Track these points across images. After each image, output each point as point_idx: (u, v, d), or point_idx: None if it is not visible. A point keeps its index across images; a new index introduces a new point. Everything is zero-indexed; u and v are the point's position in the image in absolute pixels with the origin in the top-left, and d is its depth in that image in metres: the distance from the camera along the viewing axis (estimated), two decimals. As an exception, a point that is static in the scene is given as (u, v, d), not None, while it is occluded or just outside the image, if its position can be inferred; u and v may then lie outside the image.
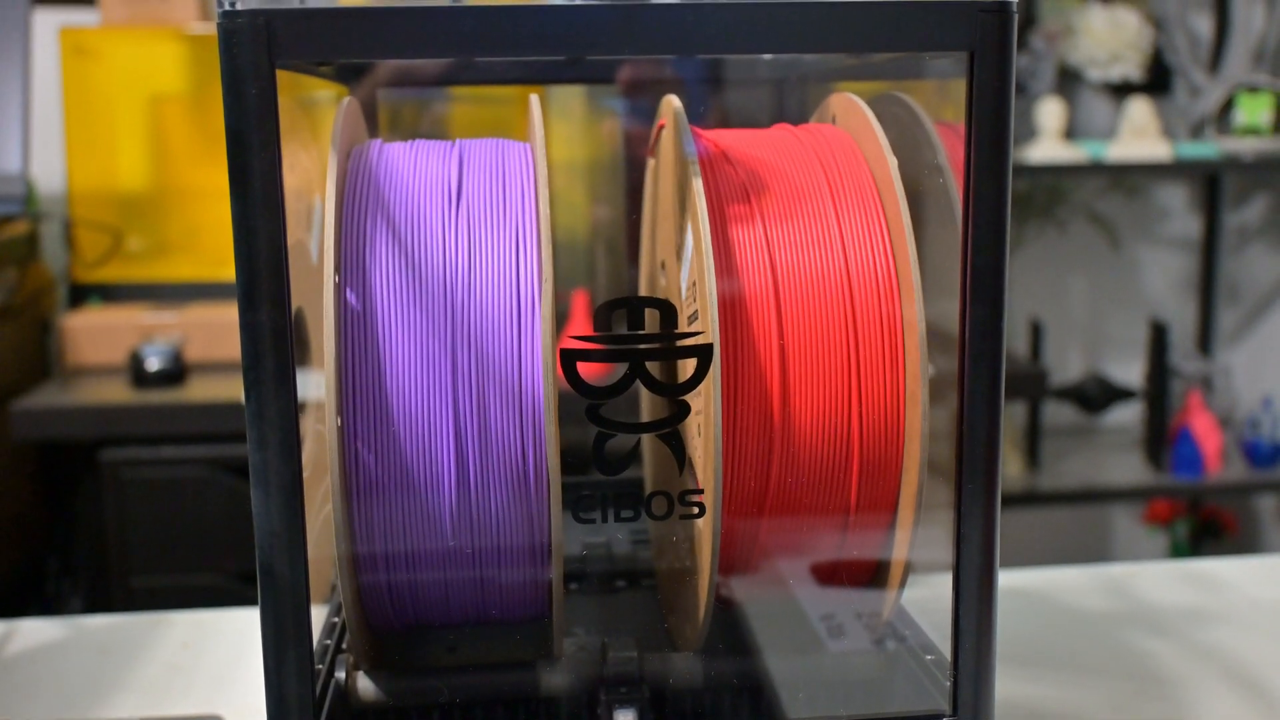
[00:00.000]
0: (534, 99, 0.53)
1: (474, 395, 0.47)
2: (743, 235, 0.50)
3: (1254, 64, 2.18)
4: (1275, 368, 2.37)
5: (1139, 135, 2.07)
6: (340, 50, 0.43)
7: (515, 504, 0.48)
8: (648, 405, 0.62)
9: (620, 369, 0.47)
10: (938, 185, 0.51)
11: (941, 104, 0.52)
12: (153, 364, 1.54)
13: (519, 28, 0.42)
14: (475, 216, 0.49)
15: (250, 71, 0.41)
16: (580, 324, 1.50)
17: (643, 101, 0.70)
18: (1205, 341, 2.35)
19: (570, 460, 0.48)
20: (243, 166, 0.42)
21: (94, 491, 1.51)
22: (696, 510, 0.49)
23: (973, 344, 0.45)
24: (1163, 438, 2.15)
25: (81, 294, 1.74)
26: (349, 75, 0.64)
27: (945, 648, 0.48)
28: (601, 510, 0.50)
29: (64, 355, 1.62)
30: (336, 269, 0.47)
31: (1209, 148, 2.07)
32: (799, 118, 0.65)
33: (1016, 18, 0.44)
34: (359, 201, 0.49)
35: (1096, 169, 2.05)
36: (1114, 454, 2.24)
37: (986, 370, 0.45)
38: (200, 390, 1.53)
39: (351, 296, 0.47)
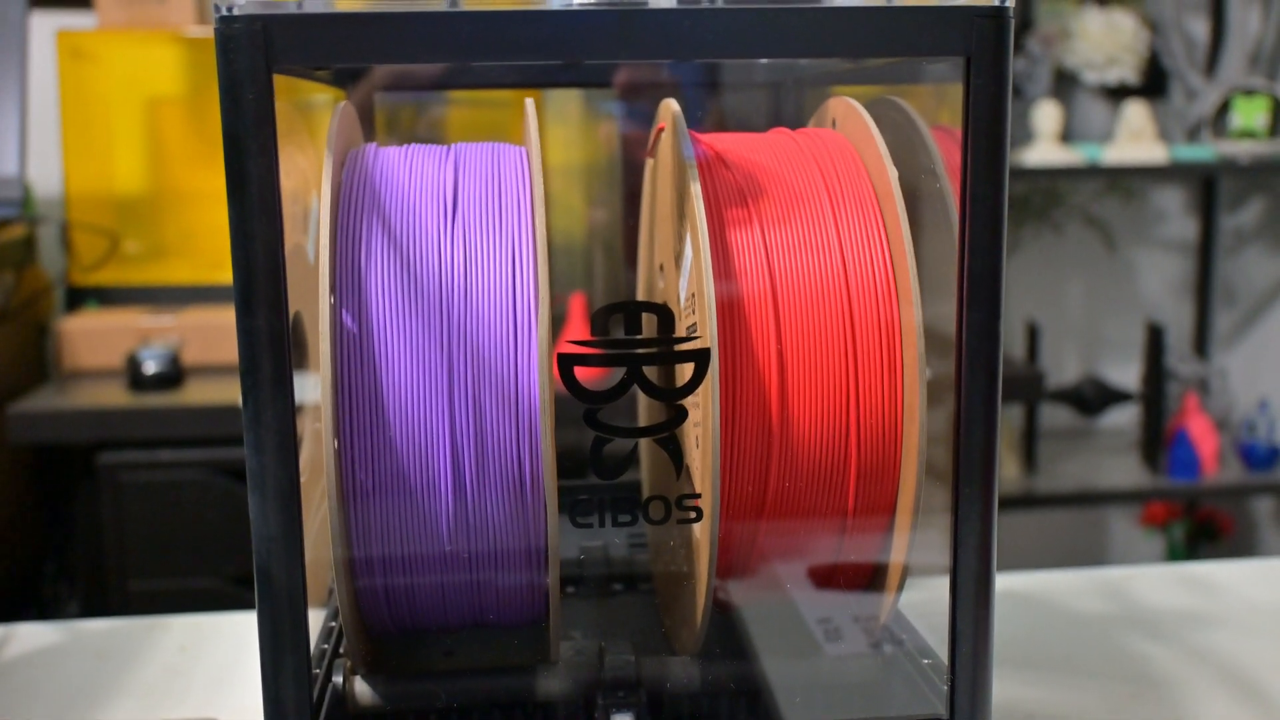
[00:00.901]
0: (529, 103, 0.53)
1: (470, 399, 0.47)
2: (741, 239, 0.50)
3: (1250, 67, 2.18)
4: (1271, 370, 2.37)
5: (1135, 138, 2.08)
6: (337, 54, 0.43)
7: (512, 508, 0.48)
8: (645, 409, 0.62)
9: (618, 373, 0.47)
10: (934, 189, 0.51)
11: (938, 108, 0.52)
12: (150, 367, 1.54)
13: (515, 32, 0.43)
14: (471, 221, 0.49)
15: (247, 76, 0.41)
16: (577, 327, 1.50)
17: (640, 105, 0.70)
18: (1201, 344, 2.36)
19: (567, 464, 0.48)
20: (240, 171, 0.42)
21: (91, 495, 1.50)
22: (694, 514, 0.49)
23: (969, 347, 0.45)
24: (1159, 440, 2.15)
25: (78, 297, 1.74)
26: (345, 79, 0.64)
27: (942, 651, 0.48)
28: (599, 514, 0.50)
29: (61, 358, 1.62)
30: (332, 274, 0.47)
31: (1205, 150, 2.07)
32: (796, 122, 0.65)
33: (1013, 22, 0.44)
34: (354, 206, 0.49)
35: (1093, 172, 2.05)
36: (1110, 456, 2.24)
37: (983, 373, 0.45)
38: (197, 393, 1.53)
39: (347, 302, 0.47)
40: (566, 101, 1.60)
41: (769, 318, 0.49)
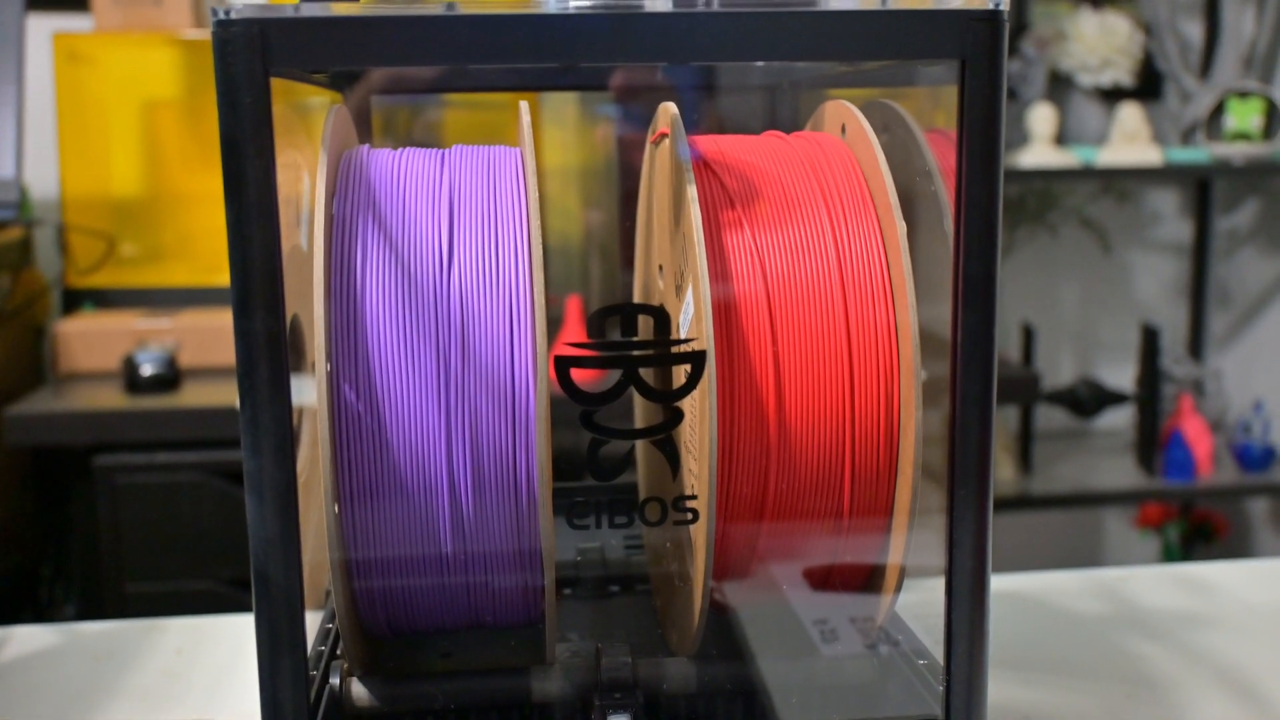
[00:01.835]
0: (524, 106, 0.53)
1: (466, 401, 0.47)
2: (737, 242, 0.51)
3: (1244, 70, 2.18)
4: (1266, 371, 2.38)
5: (1130, 140, 2.08)
6: (334, 58, 0.43)
7: (508, 510, 0.48)
8: (641, 411, 0.62)
9: (614, 375, 0.47)
10: (929, 192, 0.52)
11: (934, 110, 0.52)
12: (146, 370, 1.53)
13: (511, 35, 0.43)
14: (466, 223, 0.49)
15: (245, 79, 0.41)
16: (573, 329, 1.50)
17: (636, 107, 0.71)
18: (1196, 345, 2.36)
19: (564, 466, 0.48)
20: (237, 174, 0.42)
21: (88, 497, 1.50)
22: (690, 516, 0.49)
23: (964, 350, 0.45)
24: (1154, 441, 2.15)
25: (75, 300, 1.74)
26: (342, 81, 0.64)
27: (938, 652, 0.48)
28: (595, 516, 0.50)
29: (57, 361, 1.62)
30: (327, 276, 0.47)
31: (1199, 153, 2.08)
32: (792, 124, 0.65)
33: (1007, 26, 0.44)
34: (349, 209, 0.49)
35: (1088, 174, 2.06)
36: (1106, 458, 2.24)
37: (978, 375, 0.46)
38: (194, 396, 1.53)
39: (342, 305, 0.47)
40: (563, 104, 1.60)
41: (765, 320, 0.49)
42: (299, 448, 0.47)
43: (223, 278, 0.43)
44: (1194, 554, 2.32)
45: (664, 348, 0.48)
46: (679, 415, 0.49)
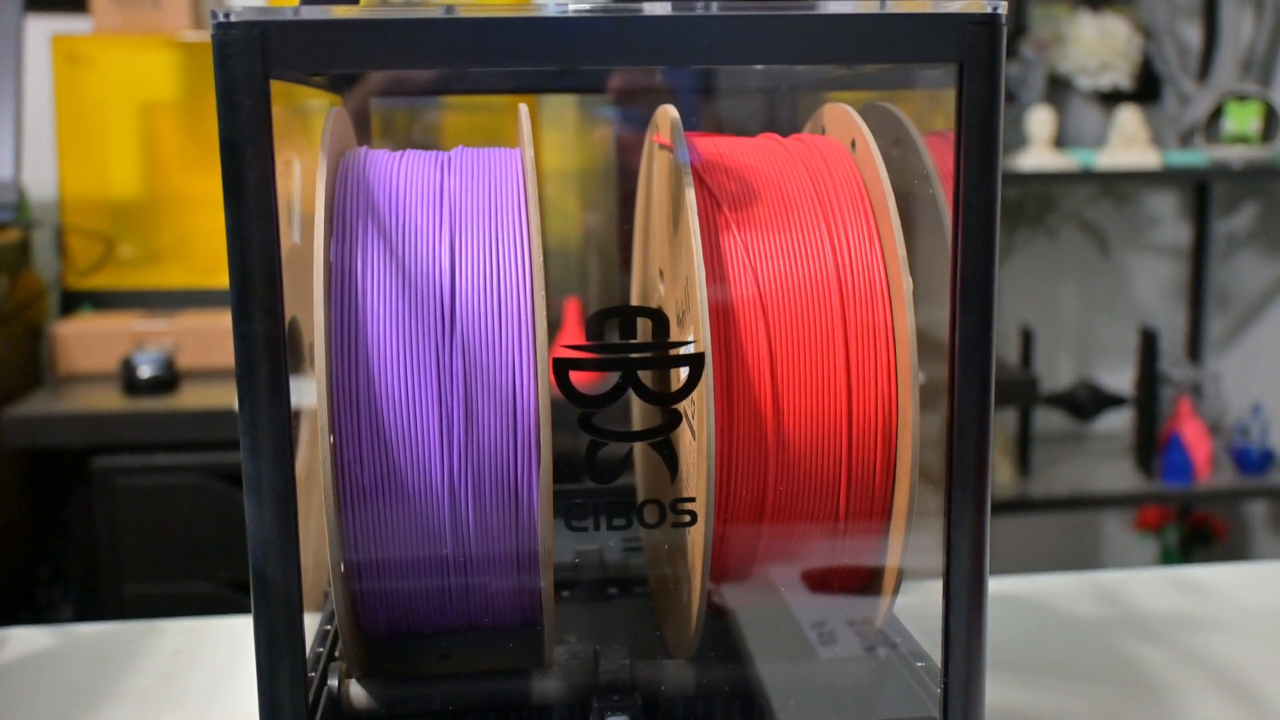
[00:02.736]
0: (523, 109, 0.53)
1: (465, 403, 0.47)
2: (735, 244, 0.51)
3: (1242, 73, 2.19)
4: (1264, 374, 2.38)
5: (1128, 143, 2.08)
6: (334, 61, 0.43)
7: (507, 512, 0.48)
8: (639, 413, 0.62)
9: (613, 377, 0.47)
10: (927, 195, 0.52)
11: (932, 112, 0.52)
12: (144, 371, 1.53)
13: (511, 39, 0.43)
14: (465, 225, 0.49)
15: (244, 82, 0.41)
16: (572, 331, 1.50)
17: (634, 109, 0.71)
18: (1195, 348, 2.36)
19: (562, 468, 0.48)
20: (237, 177, 0.42)
21: (85, 499, 1.50)
22: (689, 518, 0.49)
23: (963, 353, 0.45)
24: (1153, 444, 2.16)
25: (73, 301, 1.74)
26: (341, 84, 0.64)
27: (936, 654, 0.48)
28: (594, 518, 0.50)
29: (55, 363, 1.62)
30: (327, 279, 0.47)
31: (1198, 156, 2.08)
32: (790, 127, 0.65)
33: (1006, 29, 0.44)
34: (349, 211, 0.49)
35: (1086, 177, 2.06)
36: (1104, 461, 2.25)
37: (976, 379, 0.46)
38: (192, 398, 1.53)
39: (342, 307, 0.47)
40: (562, 106, 1.60)
41: (763, 322, 0.50)
42: (297, 449, 0.47)
43: (221, 279, 0.43)
44: (1192, 557, 2.32)
45: (662, 350, 0.48)
46: (677, 418, 0.49)
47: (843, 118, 0.55)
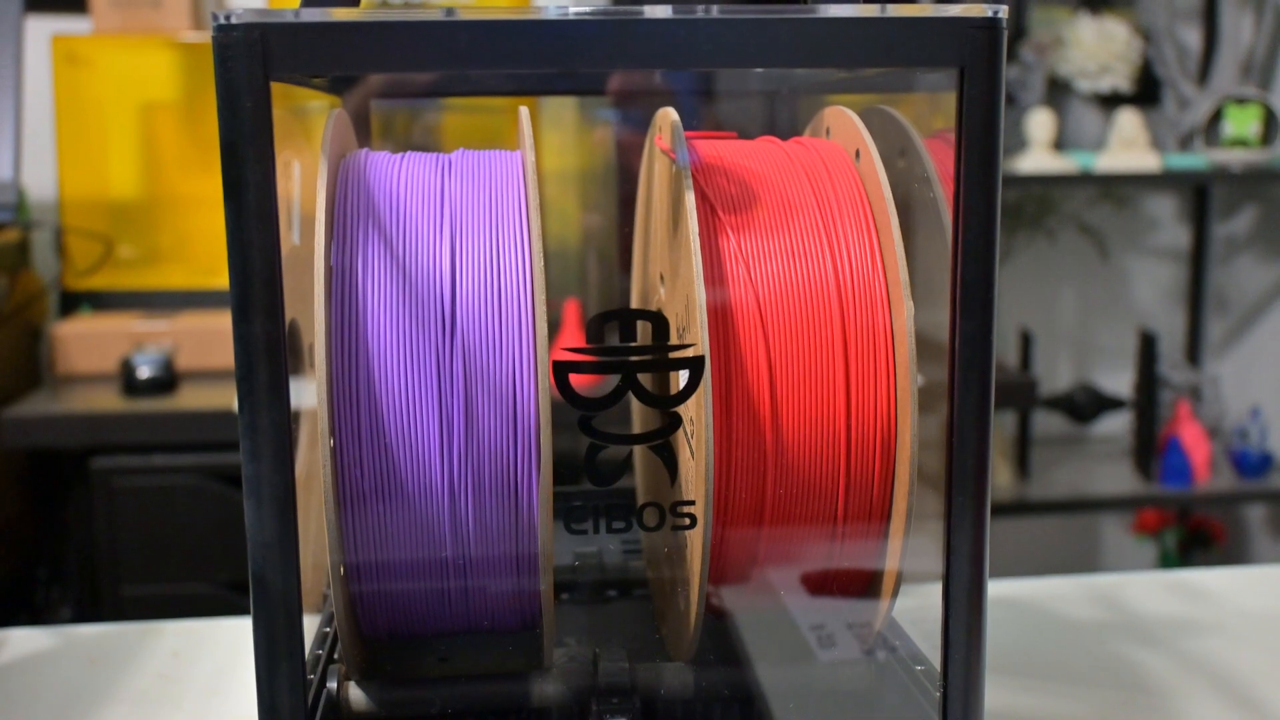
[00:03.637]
0: (523, 111, 0.53)
1: (465, 405, 0.47)
2: (735, 247, 0.51)
3: (1242, 76, 2.19)
4: (1263, 378, 2.38)
5: (1128, 146, 2.08)
6: (335, 63, 0.43)
7: (507, 514, 0.48)
8: (639, 416, 0.62)
9: (613, 380, 0.47)
10: (928, 198, 0.52)
11: (932, 114, 0.52)
12: (144, 372, 1.53)
13: (511, 41, 0.43)
14: (467, 227, 0.49)
15: (245, 84, 0.41)
16: (571, 333, 1.50)
17: (634, 111, 0.71)
18: (1194, 352, 2.36)
19: (562, 471, 0.48)
20: (237, 179, 0.42)
21: (84, 500, 1.50)
22: (688, 521, 0.49)
23: (962, 356, 0.45)
24: (1151, 447, 2.16)
25: (72, 302, 1.74)
26: (341, 85, 0.64)
27: (935, 658, 0.48)
28: (593, 521, 0.50)
29: (54, 363, 1.62)
30: (327, 281, 0.47)
31: (1197, 159, 2.08)
32: (791, 130, 0.65)
33: (1006, 34, 0.44)
34: (349, 212, 0.49)
35: (1086, 179, 2.06)
36: (1103, 463, 2.25)
37: (976, 382, 0.46)
38: (191, 399, 1.53)
39: (342, 309, 0.47)
40: (561, 107, 1.60)
41: (761, 325, 0.50)
42: (297, 451, 0.47)
43: (220, 280, 0.43)
44: (1191, 560, 2.32)
45: (661, 354, 0.48)
46: (677, 420, 0.49)
47: (847, 124, 0.55)
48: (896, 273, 0.50)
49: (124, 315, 1.68)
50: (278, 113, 0.42)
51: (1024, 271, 2.29)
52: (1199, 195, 2.32)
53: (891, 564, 0.52)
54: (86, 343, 1.62)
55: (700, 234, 0.49)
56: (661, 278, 0.57)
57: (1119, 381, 2.32)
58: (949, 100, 0.45)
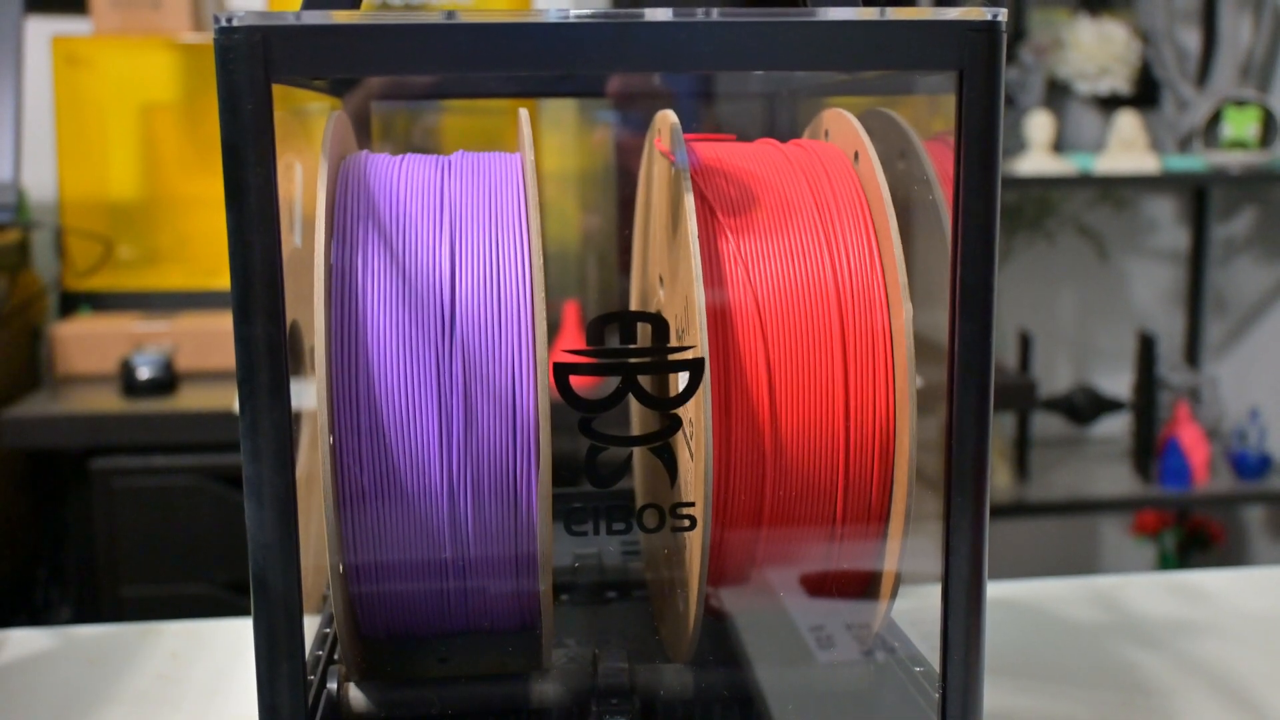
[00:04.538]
0: (523, 113, 0.53)
1: (465, 407, 0.47)
2: (734, 249, 0.51)
3: (1241, 78, 2.19)
4: (1262, 379, 2.38)
5: (1127, 148, 2.09)
6: (336, 65, 0.43)
7: (506, 515, 0.48)
8: (639, 417, 0.62)
9: (612, 382, 0.48)
10: (927, 200, 0.52)
11: (932, 116, 0.52)
12: (143, 373, 1.53)
13: (512, 44, 0.43)
14: (467, 229, 0.49)
15: (246, 86, 0.41)
16: (571, 334, 1.50)
17: (634, 113, 0.71)
18: (1193, 353, 2.36)
19: (562, 472, 0.48)
20: (238, 181, 0.42)
21: (84, 500, 1.50)
22: (687, 523, 0.49)
23: (961, 358, 0.45)
24: (1151, 449, 2.16)
25: (72, 302, 1.74)
26: (341, 87, 0.64)
27: (934, 659, 0.48)
28: (593, 522, 0.50)
29: (54, 364, 1.62)
30: (327, 282, 0.48)
31: (1196, 161, 2.08)
32: (790, 132, 0.65)
33: (1005, 36, 0.44)
34: (349, 214, 0.49)
35: (1085, 181, 2.06)
36: (1102, 465, 2.25)
37: (975, 384, 0.46)
38: (191, 399, 1.53)
39: (342, 310, 0.47)
40: (561, 109, 1.60)
41: (760, 327, 0.50)
42: (298, 452, 0.47)
43: (220, 281, 0.44)
44: (1190, 561, 2.33)
45: (661, 355, 0.48)
46: (677, 422, 0.49)
47: (846, 126, 0.55)
48: (895, 274, 0.50)
49: (124, 316, 1.69)
50: (278, 114, 0.43)
51: (1023, 273, 2.29)
52: (1198, 197, 2.32)
53: (890, 565, 0.52)
54: (86, 343, 1.62)
55: (699, 236, 0.49)
56: (661, 279, 0.58)
57: (1118, 383, 2.32)
58: (948, 102, 0.45)
